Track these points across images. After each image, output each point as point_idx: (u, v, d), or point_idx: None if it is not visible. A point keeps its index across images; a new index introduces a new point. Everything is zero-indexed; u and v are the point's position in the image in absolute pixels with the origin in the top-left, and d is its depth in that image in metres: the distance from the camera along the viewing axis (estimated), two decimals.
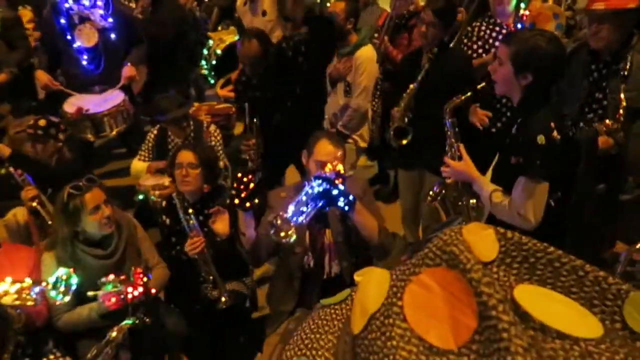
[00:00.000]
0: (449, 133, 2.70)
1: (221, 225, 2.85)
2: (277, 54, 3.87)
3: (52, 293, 2.39)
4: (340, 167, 2.46)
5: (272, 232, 2.24)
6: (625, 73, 2.87)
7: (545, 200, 2.31)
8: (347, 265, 2.80)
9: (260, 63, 3.75)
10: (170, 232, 3.05)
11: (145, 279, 2.55)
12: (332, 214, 2.76)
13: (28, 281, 2.30)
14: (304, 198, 2.29)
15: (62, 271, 2.44)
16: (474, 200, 2.69)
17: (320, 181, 2.33)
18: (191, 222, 2.85)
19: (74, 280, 2.45)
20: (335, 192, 2.36)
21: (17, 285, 2.26)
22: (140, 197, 3.82)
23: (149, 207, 3.74)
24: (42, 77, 4.38)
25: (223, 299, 2.86)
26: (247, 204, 2.57)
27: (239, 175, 2.59)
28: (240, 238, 2.77)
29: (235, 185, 2.59)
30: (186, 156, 3.04)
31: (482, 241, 0.74)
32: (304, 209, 2.27)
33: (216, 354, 3.10)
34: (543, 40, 2.30)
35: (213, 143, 3.91)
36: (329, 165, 2.46)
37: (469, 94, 2.66)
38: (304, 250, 2.77)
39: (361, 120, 4.30)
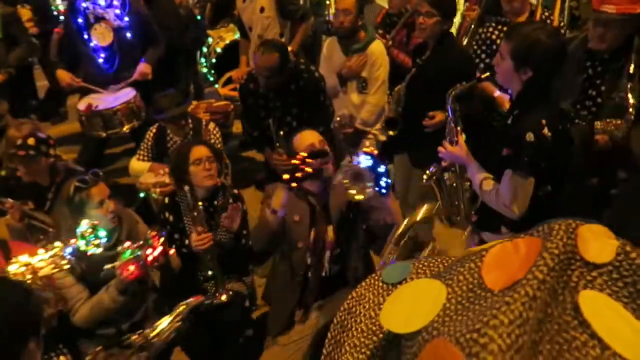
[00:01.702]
0: (449, 118, 2.72)
1: (233, 224, 2.87)
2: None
3: (84, 247, 2.38)
4: (376, 152, 2.46)
5: (346, 189, 2.30)
6: (632, 71, 2.85)
7: (531, 194, 2.35)
8: (348, 263, 2.80)
9: (275, 76, 3.71)
10: (173, 229, 3.04)
11: (162, 239, 2.53)
12: (337, 211, 2.77)
13: (58, 244, 2.27)
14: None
15: (84, 226, 2.43)
16: (468, 183, 2.73)
17: (368, 156, 2.35)
18: (200, 216, 2.83)
19: (102, 232, 2.45)
20: (380, 169, 2.36)
21: (50, 253, 2.22)
22: (141, 195, 3.84)
23: (149, 205, 3.77)
24: (63, 76, 4.39)
25: (223, 297, 2.86)
26: (294, 184, 2.53)
27: (305, 154, 2.54)
28: (267, 214, 2.70)
29: (296, 160, 2.52)
30: (203, 151, 3.00)
31: (598, 243, 0.75)
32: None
33: (216, 353, 3.10)
34: (544, 34, 2.29)
35: (212, 141, 3.90)
36: (365, 149, 2.46)
37: (473, 81, 2.69)
38: (306, 246, 2.77)
39: (380, 114, 4.21)
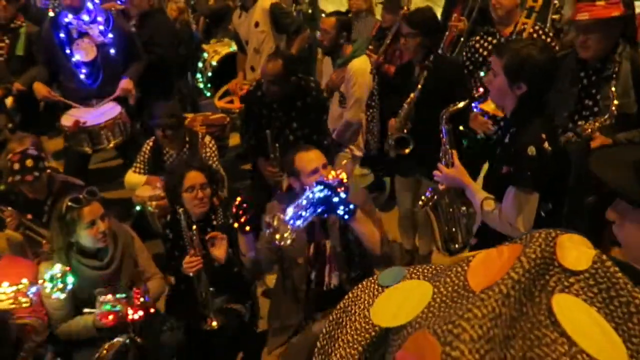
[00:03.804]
0: (444, 140, 2.72)
1: (219, 251, 2.84)
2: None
3: (49, 290, 2.40)
4: (343, 176, 2.43)
5: (267, 232, 2.23)
6: (615, 71, 2.90)
7: (535, 211, 2.34)
8: (347, 276, 2.80)
9: (278, 84, 3.76)
10: (173, 246, 3.05)
11: (143, 300, 2.56)
12: (333, 225, 2.77)
13: (24, 282, 2.28)
14: (303, 202, 2.26)
15: (57, 269, 2.44)
16: (465, 208, 2.72)
17: (322, 187, 2.32)
18: (194, 239, 2.83)
19: (70, 279, 2.46)
20: (335, 199, 2.34)
21: (14, 288, 2.24)
22: (137, 208, 3.85)
23: (145, 219, 3.77)
24: (40, 89, 4.39)
25: (214, 323, 2.86)
26: (247, 228, 2.61)
27: (238, 199, 2.62)
28: (241, 258, 2.79)
29: (234, 210, 2.62)
30: (197, 177, 2.98)
31: (577, 251, 0.80)
32: (303, 213, 2.24)
33: None
34: (535, 49, 2.32)
35: (208, 154, 3.92)
36: (332, 172, 2.43)
37: (466, 101, 2.69)
38: (306, 262, 2.77)
39: (355, 131, 4.34)
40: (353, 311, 0.97)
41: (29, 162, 3.06)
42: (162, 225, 3.22)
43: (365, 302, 0.97)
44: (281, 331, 2.87)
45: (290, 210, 2.22)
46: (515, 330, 0.73)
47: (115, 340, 2.42)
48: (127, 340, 2.50)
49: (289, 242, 2.22)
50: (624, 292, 0.77)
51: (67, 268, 2.49)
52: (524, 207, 2.31)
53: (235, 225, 2.63)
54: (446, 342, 0.70)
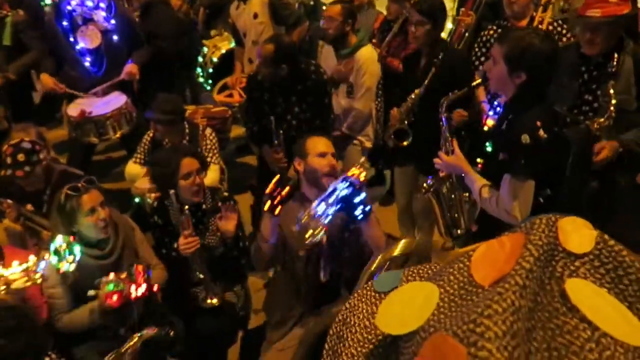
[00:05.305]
0: (443, 128, 2.72)
1: (229, 224, 2.84)
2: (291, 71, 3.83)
3: (56, 263, 2.38)
4: (363, 176, 2.39)
5: (297, 229, 2.22)
6: (614, 70, 2.89)
7: (532, 198, 2.33)
8: (340, 271, 2.78)
9: (269, 67, 3.76)
10: (163, 232, 3.04)
11: (146, 276, 2.54)
12: (333, 220, 2.75)
13: (32, 259, 2.27)
14: (330, 199, 2.25)
15: (59, 240, 2.43)
16: (467, 194, 2.71)
17: (347, 183, 2.30)
18: (184, 219, 2.80)
19: (77, 248, 2.45)
20: (357, 199, 2.34)
21: (23, 266, 2.23)
22: (137, 200, 3.83)
23: (145, 210, 3.76)
24: (47, 80, 4.37)
25: (213, 300, 2.85)
26: (277, 211, 2.52)
27: (277, 177, 2.54)
28: (259, 243, 2.70)
29: (272, 187, 2.51)
30: (192, 164, 2.97)
31: (578, 233, 0.79)
32: (330, 210, 2.24)
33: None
34: (537, 38, 2.31)
35: (209, 146, 3.90)
36: (353, 170, 2.40)
37: (465, 89, 2.68)
38: (307, 254, 2.75)
39: (366, 120, 4.28)
40: (352, 322, 0.93)
41: (21, 157, 3.01)
42: (149, 212, 3.19)
43: (364, 311, 0.94)
44: (282, 324, 2.85)
45: (322, 206, 2.22)
46: (534, 321, 0.71)
47: (144, 332, 2.30)
48: (161, 333, 2.44)
49: (318, 238, 2.23)
50: (632, 269, 0.76)
51: (71, 238, 2.46)
52: (520, 195, 2.31)
53: (267, 205, 2.50)
54: (470, 342, 0.67)
